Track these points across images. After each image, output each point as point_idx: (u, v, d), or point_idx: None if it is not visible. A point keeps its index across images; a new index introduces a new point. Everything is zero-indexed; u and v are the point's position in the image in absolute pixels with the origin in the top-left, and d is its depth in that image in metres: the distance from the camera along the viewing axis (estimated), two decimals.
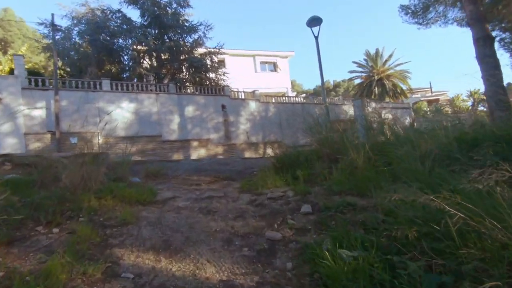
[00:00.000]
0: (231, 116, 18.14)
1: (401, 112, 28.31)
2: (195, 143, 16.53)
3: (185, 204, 4.07)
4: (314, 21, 9.77)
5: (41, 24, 16.59)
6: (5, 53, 26.03)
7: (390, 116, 23.35)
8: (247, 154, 18.27)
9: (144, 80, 18.71)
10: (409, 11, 11.82)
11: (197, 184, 5.47)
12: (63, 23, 22.53)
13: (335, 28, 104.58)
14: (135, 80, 18.81)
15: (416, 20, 11.91)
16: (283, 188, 4.40)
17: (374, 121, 5.81)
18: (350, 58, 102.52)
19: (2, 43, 33.29)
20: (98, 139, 13.72)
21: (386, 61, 33.49)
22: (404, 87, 33.58)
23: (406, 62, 40.07)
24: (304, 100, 22.07)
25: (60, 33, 18.00)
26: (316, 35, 9.90)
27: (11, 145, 11.75)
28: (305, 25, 9.93)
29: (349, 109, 24.24)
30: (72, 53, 18.51)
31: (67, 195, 3.81)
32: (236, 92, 18.91)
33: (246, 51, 27.57)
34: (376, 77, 32.98)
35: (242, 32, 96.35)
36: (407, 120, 29.65)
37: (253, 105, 19.26)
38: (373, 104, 26.38)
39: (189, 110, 16.69)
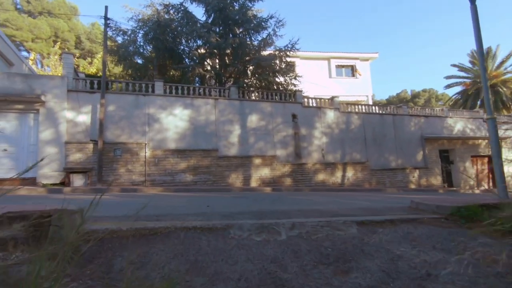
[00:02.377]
0: (302, 129, 14.47)
1: None
2: (257, 161, 13.28)
3: None
4: None
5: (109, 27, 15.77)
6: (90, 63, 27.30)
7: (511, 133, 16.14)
8: (321, 177, 14.27)
9: (206, 84, 16.48)
10: None
11: None
12: (129, 25, 22.19)
13: (419, 29, 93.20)
14: (197, 84, 16.74)
15: None
16: None
17: None
18: (433, 64, 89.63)
19: (90, 54, 36.07)
20: (145, 152, 11.47)
21: (502, 62, 25.87)
22: None
23: None
24: (397, 111, 17.11)
25: (125, 36, 17.06)
26: None
27: (51, 155, 10.11)
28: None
29: (456, 123, 18.27)
30: (136, 57, 17.41)
31: None
32: (310, 99, 15.21)
33: (320, 53, 23.77)
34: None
35: (316, 32, 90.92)
36: None
37: (331, 115, 15.27)
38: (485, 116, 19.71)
39: (252, 120, 13.60)
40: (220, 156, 12.67)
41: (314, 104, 15.18)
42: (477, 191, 15.85)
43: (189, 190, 10.49)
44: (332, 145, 14.94)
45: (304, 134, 14.46)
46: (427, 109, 18.33)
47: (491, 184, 19.28)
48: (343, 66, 24.47)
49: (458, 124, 18.51)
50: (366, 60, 24.89)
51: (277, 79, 15.94)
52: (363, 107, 16.43)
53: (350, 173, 14.96)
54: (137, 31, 16.73)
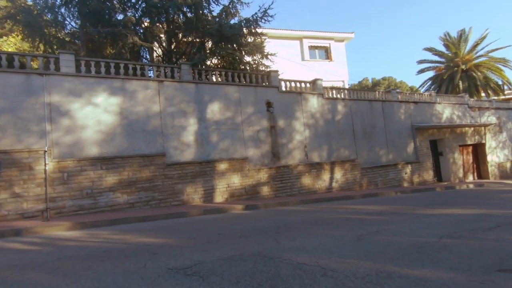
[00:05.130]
0: (280, 120, 11.17)
1: (507, 116, 19.86)
2: (223, 166, 9.74)
3: None
4: None
5: None
6: None
7: (494, 119, 14.47)
8: (305, 182, 11.19)
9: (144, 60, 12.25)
10: None
11: None
12: None
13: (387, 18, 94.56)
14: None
15: None
16: None
17: None
18: (396, 54, 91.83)
19: None
20: (45, 163, 7.29)
21: (476, 45, 24.89)
22: (499, 82, 24.80)
23: (504, 47, 30.89)
24: (386, 97, 14.56)
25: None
26: None
27: None
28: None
29: (444, 110, 16.32)
30: (54, 27, 12.39)
31: None
32: (288, 83, 11.89)
33: (291, 31, 20.52)
34: (461, 68, 24.52)
35: (285, 9, 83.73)
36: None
37: (314, 102, 12.14)
38: (471, 102, 18.26)
39: (214, 110, 9.95)
40: (169, 163, 8.88)
41: (293, 88, 11.90)
42: (471, 186, 14.03)
43: (118, 221, 6.65)
44: (317, 140, 11.87)
45: (282, 127, 11.18)
46: (415, 95, 16.09)
47: (475, 175, 17.94)
48: (316, 47, 21.54)
49: (446, 110, 16.61)
50: (341, 40, 22.23)
51: (244, 59, 12.30)
52: (351, 92, 13.55)
53: (338, 174, 12.08)
54: None
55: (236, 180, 9.89)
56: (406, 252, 3.52)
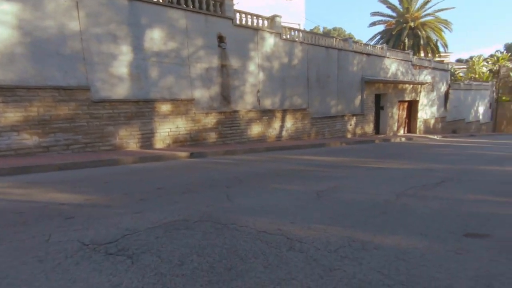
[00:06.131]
0: (233, 59, 9.93)
1: (439, 76, 21.61)
2: (164, 107, 8.46)
3: None
4: None
5: None
6: None
7: (429, 78, 15.83)
8: (256, 130, 10.67)
9: None
10: None
11: None
12: None
13: None
14: None
15: None
16: None
17: None
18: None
19: None
20: None
21: (426, 2, 25.38)
22: (439, 42, 26.39)
23: (449, 8, 32.33)
24: (343, 45, 14.06)
25: None
26: None
27: None
28: None
29: (391, 65, 16.78)
30: None
31: None
32: (244, 16, 10.35)
33: None
34: (409, 24, 25.13)
35: None
36: (443, 88, 23.26)
37: (271, 41, 11.00)
38: (414, 60, 19.14)
39: (154, 39, 8.19)
40: (95, 99, 7.25)
41: (250, 24, 10.47)
42: (403, 139, 15.35)
43: (26, 169, 5.26)
44: (271, 86, 11.10)
45: (235, 68, 10.01)
46: (369, 46, 15.97)
47: (406, 129, 19.73)
48: None
49: (393, 66, 17.09)
50: None
51: None
52: (309, 36, 12.63)
53: (289, 122, 11.79)
54: None
55: (180, 124, 8.79)
56: (371, 214, 3.22)
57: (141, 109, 8.01)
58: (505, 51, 42.64)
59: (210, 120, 9.47)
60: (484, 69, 36.80)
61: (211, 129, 9.49)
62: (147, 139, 8.17)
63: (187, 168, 5.95)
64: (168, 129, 8.56)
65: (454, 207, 3.55)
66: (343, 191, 4.16)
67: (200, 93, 9.20)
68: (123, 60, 7.65)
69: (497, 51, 39.90)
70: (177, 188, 4.18)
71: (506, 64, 34.57)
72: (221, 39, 9.58)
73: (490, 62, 36.98)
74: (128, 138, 7.84)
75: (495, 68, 34.61)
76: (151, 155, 6.95)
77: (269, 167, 6.20)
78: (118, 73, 7.60)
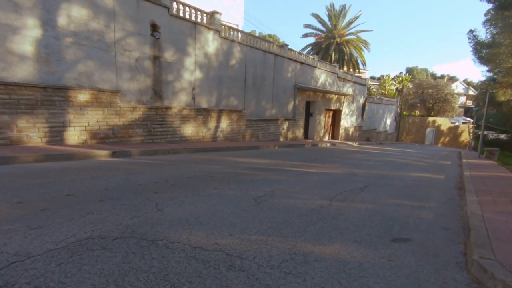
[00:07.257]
0: (168, 52, 9.19)
1: (359, 89, 24.37)
2: (82, 96, 7.25)
3: None
4: None
5: None
6: None
7: (351, 91, 18.05)
8: (189, 130, 10.11)
9: None
10: None
11: None
12: None
13: None
14: None
15: None
16: None
17: None
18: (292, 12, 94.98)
19: None
20: None
21: (350, 22, 28.31)
22: (359, 60, 29.73)
23: (368, 31, 36.59)
24: (279, 51, 14.50)
25: None
26: None
27: None
28: None
29: (321, 75, 18.13)
30: None
31: None
32: (182, 6, 9.68)
33: None
34: (336, 40, 27.66)
35: None
36: (361, 100, 26.25)
37: (209, 38, 10.57)
38: (339, 73, 21.13)
39: (72, 16, 6.94)
40: None
41: (188, 16, 9.86)
42: (328, 144, 16.68)
43: None
44: (207, 84, 10.67)
45: (170, 61, 9.28)
46: (302, 56, 16.87)
47: (330, 135, 21.55)
48: None
49: (322, 76, 18.46)
50: None
51: None
52: (249, 38, 12.62)
53: (225, 123, 11.53)
54: None
55: (101, 118, 7.67)
56: (309, 220, 3.21)
57: (50, 97, 6.67)
58: (407, 73, 50.76)
59: (138, 115, 8.53)
60: (392, 87, 43.11)
61: (138, 125, 8.56)
62: (57, 133, 6.85)
63: (107, 169, 5.14)
64: (85, 123, 7.36)
65: (379, 211, 3.82)
66: (280, 197, 4.10)
67: (127, 85, 8.20)
68: (27, 36, 6.25)
69: (400, 73, 47.24)
70: (92, 194, 3.51)
71: (407, 85, 41.15)
72: (154, 27, 8.75)
73: (396, 81, 43.47)
74: (30, 131, 6.44)
75: (399, 87, 40.82)
76: (60, 152, 5.82)
77: (204, 169, 5.84)
78: (19, 50, 6.17)
